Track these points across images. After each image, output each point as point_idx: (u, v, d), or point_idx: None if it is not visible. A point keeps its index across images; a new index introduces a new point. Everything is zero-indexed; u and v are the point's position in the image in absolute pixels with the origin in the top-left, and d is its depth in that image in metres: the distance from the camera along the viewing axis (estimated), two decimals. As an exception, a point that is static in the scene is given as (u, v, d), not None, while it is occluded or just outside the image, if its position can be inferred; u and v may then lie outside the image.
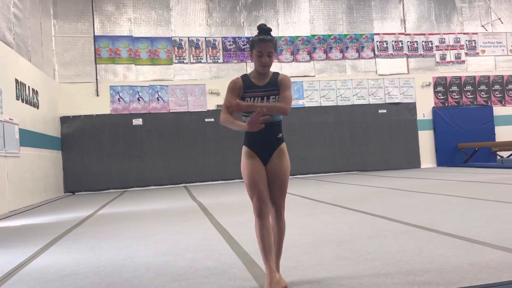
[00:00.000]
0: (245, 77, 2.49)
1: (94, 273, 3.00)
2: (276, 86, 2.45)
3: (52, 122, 11.13)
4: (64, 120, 11.78)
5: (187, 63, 12.68)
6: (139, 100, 12.26)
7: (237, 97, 2.44)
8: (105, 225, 5.33)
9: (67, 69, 12.00)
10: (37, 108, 9.91)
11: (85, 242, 4.25)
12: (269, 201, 2.45)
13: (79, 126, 11.85)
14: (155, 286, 2.60)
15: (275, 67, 13.16)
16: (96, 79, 12.07)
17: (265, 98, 2.43)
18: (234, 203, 7.00)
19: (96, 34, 12.18)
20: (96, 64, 12.12)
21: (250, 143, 2.49)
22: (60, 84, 11.89)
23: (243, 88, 2.45)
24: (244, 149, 2.52)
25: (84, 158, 11.77)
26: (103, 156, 11.91)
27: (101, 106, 12.04)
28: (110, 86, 12.15)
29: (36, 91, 9.86)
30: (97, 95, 12.05)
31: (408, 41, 13.95)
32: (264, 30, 2.44)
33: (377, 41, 13.74)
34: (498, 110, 14.30)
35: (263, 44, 2.39)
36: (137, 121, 12.21)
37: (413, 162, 13.62)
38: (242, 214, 5.58)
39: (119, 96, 12.17)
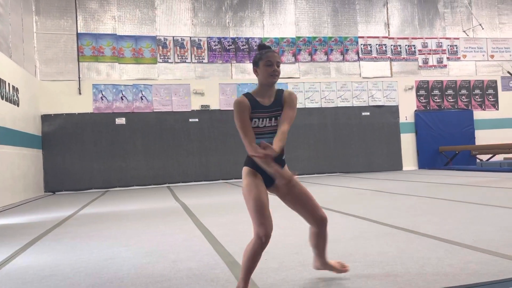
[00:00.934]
0: (249, 96, 2.38)
1: (74, 274, 2.96)
2: (280, 105, 2.38)
3: (33, 120, 10.92)
4: (45, 118, 11.58)
5: (172, 62, 12.60)
6: (122, 99, 12.13)
7: (247, 117, 2.33)
8: (86, 226, 5.26)
9: (48, 67, 11.80)
10: (17, 105, 9.71)
11: (66, 242, 4.18)
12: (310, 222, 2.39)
13: (61, 125, 11.66)
14: (136, 287, 2.57)
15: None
16: (79, 77, 11.90)
17: (273, 118, 2.36)
18: (217, 204, 6.98)
19: (79, 31, 12.00)
20: (78, 62, 11.94)
21: (255, 165, 2.34)
22: (42, 81, 11.68)
23: (250, 107, 2.33)
24: (246, 169, 2.37)
25: (66, 157, 11.59)
26: (85, 156, 11.74)
27: (84, 104, 11.88)
28: (93, 84, 11.99)
29: (17, 88, 9.66)
30: (80, 93, 11.88)
31: (391, 45, 14.13)
32: (266, 45, 2.44)
33: (361, 44, 13.89)
34: (478, 114, 14.61)
35: (271, 54, 2.36)
36: (120, 121, 12.08)
37: (395, 164, 13.80)
38: (226, 215, 5.57)
39: (102, 94, 12.02)
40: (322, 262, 2.57)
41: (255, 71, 2.43)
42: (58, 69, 11.83)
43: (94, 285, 2.68)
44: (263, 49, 2.41)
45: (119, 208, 7.12)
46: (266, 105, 2.37)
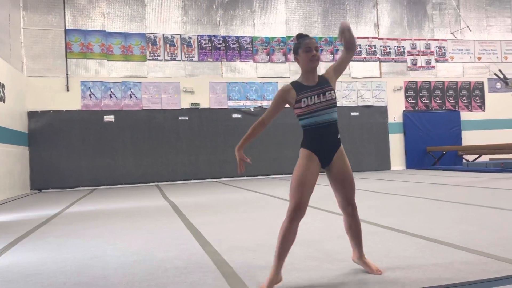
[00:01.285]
0: (294, 83, 2.56)
1: (60, 272, 2.92)
2: (327, 83, 2.52)
3: (19, 117, 10.77)
4: (32, 115, 11.43)
5: (162, 60, 12.53)
6: (111, 96, 12.02)
7: (283, 105, 2.56)
8: (73, 224, 5.21)
9: (36, 63, 11.64)
10: (3, 102, 9.57)
11: (52, 240, 4.14)
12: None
13: (48, 122, 11.52)
14: (123, 285, 2.55)
15: (251, 67, 13.19)
16: (67, 74, 11.77)
17: (321, 95, 2.47)
18: (206, 203, 6.96)
19: (67, 27, 11.87)
20: (66, 58, 11.81)
21: (311, 145, 2.49)
22: (28, 78, 11.52)
23: (296, 93, 2.49)
24: (304, 151, 2.52)
25: (52, 155, 11.45)
26: (73, 153, 11.62)
27: (71, 101, 11.75)
28: (81, 81, 11.86)
29: (3, 84, 9.52)
30: (67, 90, 11.75)
31: (381, 46, 14.23)
32: (304, 34, 2.60)
33: (351, 45, 13.93)
34: (465, 115, 14.79)
35: (309, 40, 2.51)
36: (109, 118, 11.98)
37: (383, 164, 13.91)
38: (215, 213, 5.56)
39: (91, 92, 11.90)
40: (357, 255, 2.62)
41: (296, 59, 2.58)
42: (45, 65, 11.69)
43: (79, 283, 2.65)
44: (301, 38, 2.56)
45: (106, 207, 7.06)
46: (311, 85, 2.51)
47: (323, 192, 8.00)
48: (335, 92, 2.53)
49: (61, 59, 11.78)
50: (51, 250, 3.69)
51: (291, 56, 13.48)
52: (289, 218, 2.34)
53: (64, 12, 11.86)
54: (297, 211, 2.33)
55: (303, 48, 2.49)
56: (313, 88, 2.49)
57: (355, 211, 2.60)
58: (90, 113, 11.85)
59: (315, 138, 2.48)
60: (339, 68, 2.62)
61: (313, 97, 2.46)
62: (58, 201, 8.24)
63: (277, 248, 2.38)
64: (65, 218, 5.84)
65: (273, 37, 13.37)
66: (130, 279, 2.66)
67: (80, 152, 11.68)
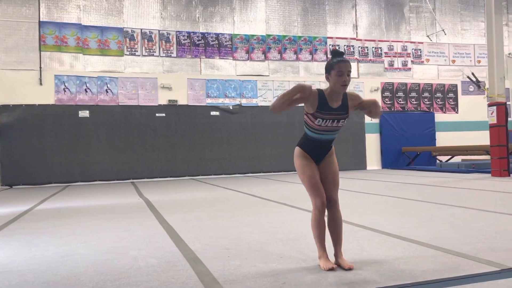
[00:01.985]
0: (321, 93, 2.62)
1: (28, 271, 2.85)
2: (346, 110, 2.64)
3: (-10, 110, 10.44)
4: (3, 109, 11.09)
5: (139, 55, 12.35)
6: (86, 91, 11.78)
7: (300, 101, 2.61)
8: (43, 221, 5.08)
9: (8, 55, 11.30)
10: (-27, 94, 9.26)
11: (21, 238, 4.02)
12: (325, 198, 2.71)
13: (20, 116, 11.21)
14: (93, 284, 2.50)
15: (230, 65, 13.14)
16: (40, 67, 11.46)
17: (336, 121, 2.63)
18: (182, 201, 6.91)
19: (41, 19, 11.56)
20: (40, 51, 11.50)
21: (308, 150, 2.72)
22: (1, 70, 11.17)
23: (317, 105, 2.58)
24: (300, 151, 2.74)
25: (24, 150, 11.15)
26: (45, 149, 11.34)
27: (45, 95, 11.46)
28: (55, 75, 11.58)
29: (-28, 76, 9.20)
30: (41, 84, 11.45)
31: (359, 46, 14.40)
32: (339, 53, 2.63)
33: (330, 45, 14.07)
34: (439, 117, 15.13)
35: (343, 64, 2.55)
36: (84, 113, 11.74)
37: (359, 163, 14.09)
38: (190, 212, 5.52)
39: (65, 86, 11.63)
40: (334, 252, 2.72)
41: (326, 77, 2.65)
42: (18, 58, 11.36)
43: (49, 282, 2.58)
44: (336, 56, 2.60)
45: (79, 204, 6.92)
46: (333, 108, 2.61)
47: (299, 190, 8.04)
48: (347, 119, 2.69)
49: (34, 52, 11.47)
50: (20, 248, 3.59)
51: (270, 55, 13.51)
52: (318, 211, 2.66)
53: (39, 4, 11.54)
54: (323, 204, 2.66)
55: (336, 70, 2.55)
56: (333, 112, 2.61)
57: (336, 206, 2.78)
58: (64, 107, 11.58)
59: (313, 148, 2.72)
60: (362, 106, 2.70)
61: (328, 120, 2.61)
62: (29, 198, 8.03)
63: (317, 238, 2.70)
64: (35, 215, 5.69)
65: (252, 35, 13.35)
66: (102, 278, 2.61)
67: (53, 148, 11.41)
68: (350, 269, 2.58)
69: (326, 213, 2.76)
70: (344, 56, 2.63)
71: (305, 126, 2.72)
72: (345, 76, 2.55)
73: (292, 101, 2.59)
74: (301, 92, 2.57)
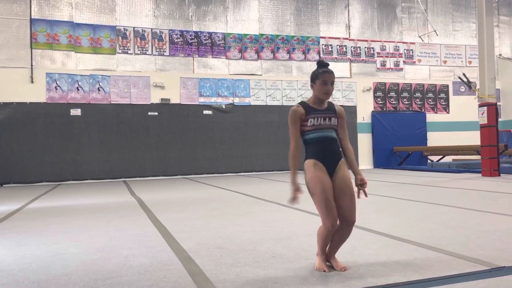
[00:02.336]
0: (304, 104, 2.73)
1: (18, 270, 2.82)
2: (333, 111, 2.75)
3: (-20, 108, 10.33)
4: (-6, 106, 10.99)
5: (132, 53, 12.29)
6: (78, 89, 11.70)
7: (299, 122, 2.71)
8: (34, 220, 5.04)
9: (-2, 52, 11.19)
10: (-38, 92, 9.15)
11: (11, 237, 3.99)
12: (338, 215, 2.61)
13: (10, 114, 11.10)
14: (84, 283, 2.49)
15: (223, 64, 13.13)
16: (31, 65, 11.36)
17: (327, 118, 2.71)
18: (174, 200, 6.89)
19: (33, 17, 11.46)
20: (31, 49, 11.40)
21: (317, 154, 2.67)
22: (-10, 67, 11.06)
23: (305, 114, 2.69)
24: (311, 161, 2.68)
25: (15, 148, 11.05)
26: (36, 147, 11.25)
27: (36, 93, 11.36)
28: (46, 73, 11.49)
29: (-38, 73, 9.10)
30: (32, 81, 11.35)
31: (352, 46, 14.45)
32: (324, 63, 2.75)
33: (322, 44, 14.11)
34: (431, 117, 15.24)
35: (327, 75, 2.68)
36: (75, 112, 11.66)
37: (352, 163, 14.13)
38: (182, 211, 5.51)
39: (57, 84, 11.54)
40: (328, 253, 2.70)
41: (311, 86, 2.76)
42: (9, 55, 11.25)
43: (39, 281, 2.57)
44: (322, 67, 2.73)
45: (70, 203, 6.87)
46: (320, 109, 2.72)
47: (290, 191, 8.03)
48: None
49: (25, 49, 11.37)
50: (10, 247, 3.56)
51: (263, 54, 13.51)
52: (328, 232, 2.57)
53: (30, 1, 11.44)
54: (334, 226, 2.56)
55: (320, 79, 2.68)
56: (321, 111, 2.71)
57: (351, 226, 2.67)
58: (56, 106, 11.49)
59: (321, 148, 2.68)
60: (340, 127, 2.77)
61: (319, 118, 2.69)
62: (20, 197, 7.96)
63: (320, 246, 2.65)
64: (26, 214, 5.65)
65: (245, 34, 13.35)
66: (93, 277, 2.60)
67: (44, 146, 11.32)
68: (343, 270, 2.57)
69: (340, 225, 2.65)
70: (328, 67, 2.76)
71: (305, 135, 2.72)
72: (328, 86, 2.68)
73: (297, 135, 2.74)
74: (294, 123, 2.73)
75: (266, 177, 11.39)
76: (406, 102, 15.04)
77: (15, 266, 2.92)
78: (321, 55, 14.05)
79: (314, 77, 2.73)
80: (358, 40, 14.54)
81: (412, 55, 15.14)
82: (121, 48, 12.18)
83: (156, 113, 12.32)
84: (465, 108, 15.39)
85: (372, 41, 14.69)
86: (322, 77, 2.67)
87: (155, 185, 9.98)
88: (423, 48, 15.25)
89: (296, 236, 3.62)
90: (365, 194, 2.68)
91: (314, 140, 2.69)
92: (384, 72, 14.86)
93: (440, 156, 14.25)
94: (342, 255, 2.91)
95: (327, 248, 2.69)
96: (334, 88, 2.75)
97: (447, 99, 15.50)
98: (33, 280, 2.59)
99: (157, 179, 11.85)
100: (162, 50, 12.54)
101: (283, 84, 13.62)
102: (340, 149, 2.75)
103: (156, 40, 12.50)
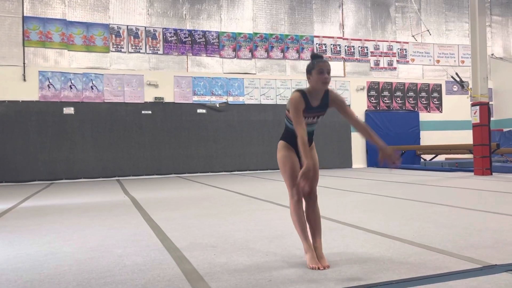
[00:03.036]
0: (304, 95, 2.72)
1: (11, 270, 2.81)
2: (325, 107, 2.78)
3: (-29, 106, 10.24)
4: (-15, 105, 10.89)
5: (125, 52, 12.24)
6: (71, 88, 11.63)
7: (301, 112, 2.70)
8: (26, 219, 5.01)
9: (-10, 50, 11.08)
10: (-46, 90, 9.06)
11: (3, 236, 3.96)
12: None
13: (3, 112, 11.01)
14: (78, 283, 2.48)
15: (217, 62, 13.11)
16: (24, 63, 11.28)
17: (316, 117, 2.80)
18: (168, 199, 6.88)
19: (25, 14, 11.37)
20: (24, 46, 11.31)
21: (291, 141, 2.81)
22: (-18, 65, 10.96)
23: (305, 107, 2.70)
24: (283, 143, 2.87)
25: (7, 147, 10.97)
26: (29, 146, 11.17)
27: (29, 92, 11.28)
28: (39, 71, 11.40)
29: (-47, 71, 9.01)
30: (24, 80, 11.26)
31: (345, 46, 14.50)
32: (319, 55, 2.77)
33: (316, 43, 14.14)
34: (424, 116, 15.33)
35: (323, 63, 2.69)
36: (69, 110, 11.59)
37: (345, 162, 14.20)
38: (176, 209, 5.50)
39: (49, 82, 11.46)
40: (314, 244, 2.74)
41: (308, 78, 2.77)
42: (1, 53, 11.15)
43: (32, 281, 2.55)
44: (316, 58, 2.73)
45: (63, 201, 6.84)
46: (314, 106, 2.74)
47: (284, 189, 8.05)
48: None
49: (18, 47, 11.28)
50: (3, 246, 3.53)
51: (257, 53, 13.51)
52: (296, 199, 2.74)
53: (22, -2, 11.35)
54: (299, 193, 2.74)
55: (316, 69, 2.68)
56: (314, 110, 2.75)
57: (315, 200, 2.84)
58: (49, 104, 11.42)
59: (295, 139, 2.71)
60: (342, 111, 2.82)
61: (309, 118, 2.76)
62: (12, 195, 7.90)
63: (298, 230, 2.74)
64: (18, 213, 5.61)
65: (239, 33, 13.33)
66: (86, 277, 2.59)
67: (37, 145, 11.24)
68: (321, 268, 2.59)
69: (306, 206, 2.82)
70: (323, 58, 2.77)
71: (286, 120, 2.86)
72: (325, 74, 2.67)
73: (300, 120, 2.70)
74: (298, 110, 2.70)
75: (260, 176, 11.39)
76: (400, 101, 15.11)
77: (8, 266, 2.91)
78: (315, 54, 14.05)
79: (309, 68, 2.73)
80: (352, 39, 14.58)
81: (406, 54, 15.22)
82: (115, 46, 12.12)
83: (150, 112, 12.29)
84: (457, 107, 15.50)
85: (365, 40, 14.74)
86: (318, 66, 2.67)
87: (149, 184, 9.95)
88: (416, 47, 15.32)
89: (290, 234, 3.63)
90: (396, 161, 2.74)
91: (295, 133, 2.71)
92: (377, 71, 14.92)
93: (433, 155, 14.34)
94: (336, 253, 2.93)
95: (310, 239, 2.72)
96: (331, 78, 2.75)
97: (440, 98, 15.60)
98: (26, 280, 2.58)
99: (150, 178, 11.82)
100: (155, 49, 12.50)
101: (277, 83, 13.63)
102: (312, 138, 2.83)
103: (150, 39, 12.45)
